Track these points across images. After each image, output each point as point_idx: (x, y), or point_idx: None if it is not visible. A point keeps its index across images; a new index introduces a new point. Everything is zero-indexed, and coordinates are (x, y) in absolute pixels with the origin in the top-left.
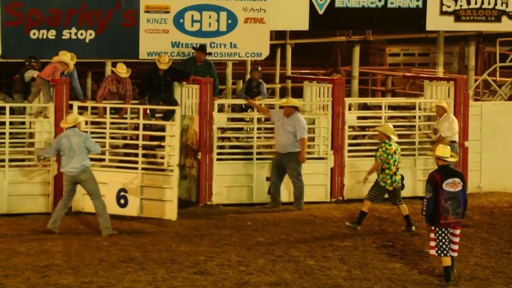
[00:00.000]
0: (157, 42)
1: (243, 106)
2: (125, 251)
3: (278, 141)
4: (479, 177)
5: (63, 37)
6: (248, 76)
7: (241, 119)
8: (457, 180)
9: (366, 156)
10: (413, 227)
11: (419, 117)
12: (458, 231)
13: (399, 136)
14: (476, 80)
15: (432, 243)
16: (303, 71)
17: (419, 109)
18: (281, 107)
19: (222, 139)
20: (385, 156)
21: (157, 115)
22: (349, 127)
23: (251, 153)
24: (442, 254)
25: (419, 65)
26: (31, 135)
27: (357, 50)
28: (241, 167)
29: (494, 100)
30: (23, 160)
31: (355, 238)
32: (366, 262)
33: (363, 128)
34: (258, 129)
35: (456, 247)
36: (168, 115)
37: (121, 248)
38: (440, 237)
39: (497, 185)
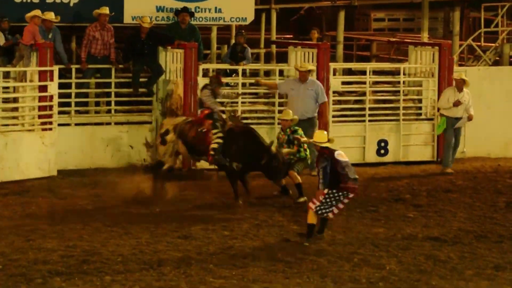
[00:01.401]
0: (141, 6)
1: (228, 71)
2: (109, 215)
3: (297, 109)
4: (463, 142)
5: (47, 1)
6: (233, 41)
7: (226, 84)
8: (341, 153)
9: (350, 122)
10: (303, 198)
11: (403, 82)
12: (352, 195)
13: (384, 101)
14: (460, 46)
15: (318, 199)
16: (287, 36)
17: (403, 74)
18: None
19: None
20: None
21: (141, 79)
22: (334, 92)
23: None
24: (320, 213)
25: (404, 30)
26: (16, 100)
27: (342, 15)
28: None
29: (478, 65)
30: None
31: None
32: (350, 226)
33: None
34: (243, 94)
35: (337, 211)
36: (152, 80)
37: (105, 213)
38: (329, 199)
39: (480, 150)
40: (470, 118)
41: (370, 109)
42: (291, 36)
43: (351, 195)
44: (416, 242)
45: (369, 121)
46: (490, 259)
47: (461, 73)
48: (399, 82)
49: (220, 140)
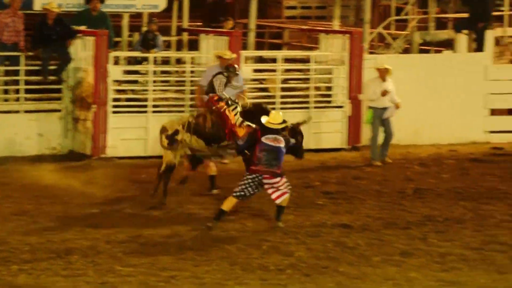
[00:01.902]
0: None
1: (138, 58)
2: (17, 204)
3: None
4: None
5: None
6: (144, 28)
7: (137, 72)
8: (279, 137)
9: None
10: (215, 190)
11: (314, 70)
12: (268, 180)
13: (295, 89)
14: (371, 33)
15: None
16: (199, 23)
17: (314, 62)
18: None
19: (118, 91)
20: None
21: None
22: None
23: (147, 106)
24: (235, 195)
25: (316, 18)
26: None
27: (254, 3)
28: (136, 120)
29: (388, 53)
30: None
31: None
32: (260, 214)
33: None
34: (154, 81)
35: (274, 195)
36: (60, 68)
37: (13, 201)
38: (245, 182)
39: None
40: (397, 107)
41: (281, 97)
42: (202, 24)
43: (265, 180)
44: (325, 229)
45: (281, 108)
46: (397, 245)
47: (383, 62)
48: (310, 70)
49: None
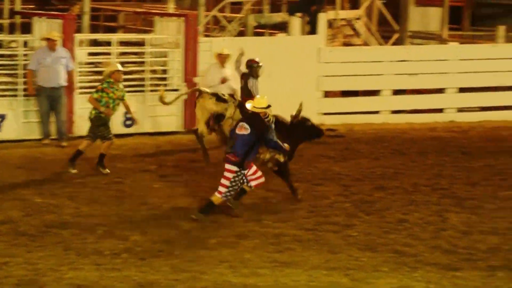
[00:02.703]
0: None
1: None
2: None
3: (51, 78)
4: None
5: None
6: None
7: None
8: (245, 125)
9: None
10: (106, 170)
11: (150, 53)
12: (226, 166)
13: (131, 72)
14: (206, 16)
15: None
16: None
17: (150, 45)
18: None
19: None
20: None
21: None
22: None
23: None
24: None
25: (151, 0)
26: None
27: None
28: None
29: (223, 36)
30: None
31: (85, 176)
32: (95, 198)
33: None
34: None
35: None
36: None
37: None
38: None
39: None
40: (235, 93)
41: None
42: (35, 6)
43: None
44: (161, 213)
45: None
46: (233, 227)
47: (224, 48)
48: (145, 53)
49: None
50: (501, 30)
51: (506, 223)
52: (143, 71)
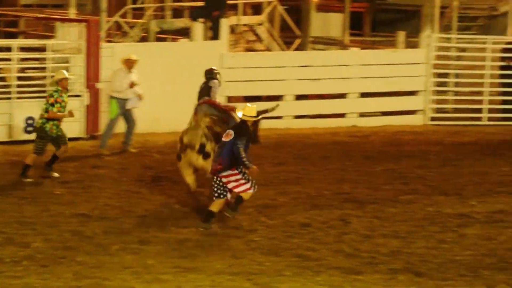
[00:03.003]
0: None
1: None
2: None
3: None
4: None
5: None
6: None
7: None
8: (230, 131)
9: None
10: (55, 174)
11: (51, 59)
12: (223, 177)
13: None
14: (108, 22)
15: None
16: None
17: (51, 51)
18: None
19: None
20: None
21: None
22: None
23: None
24: (215, 196)
25: (53, 6)
26: None
27: None
28: None
29: (125, 41)
30: None
31: None
32: None
33: None
34: None
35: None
36: None
37: None
38: (213, 184)
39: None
40: (141, 98)
41: (18, 86)
42: None
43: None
44: (63, 219)
45: (17, 98)
46: (135, 233)
47: (131, 53)
48: (46, 59)
49: None
50: (401, 35)
51: (407, 226)
52: (44, 77)
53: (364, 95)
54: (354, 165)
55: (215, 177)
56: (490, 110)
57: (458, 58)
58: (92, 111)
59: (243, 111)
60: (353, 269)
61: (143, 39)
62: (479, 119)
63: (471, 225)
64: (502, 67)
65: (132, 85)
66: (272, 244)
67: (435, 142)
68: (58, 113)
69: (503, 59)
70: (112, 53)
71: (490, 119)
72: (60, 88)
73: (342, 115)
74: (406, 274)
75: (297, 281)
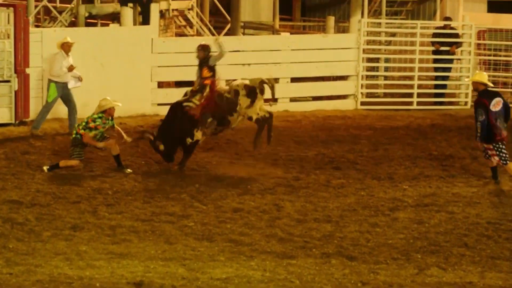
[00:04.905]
0: None
1: None
2: None
3: None
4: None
5: None
6: None
7: None
8: (498, 99)
9: None
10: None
11: None
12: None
13: None
14: (36, 7)
15: (496, 157)
16: None
17: None
18: None
19: None
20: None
21: None
22: None
23: None
24: (505, 162)
25: None
26: None
27: None
28: None
29: (54, 26)
30: None
31: None
32: None
33: None
34: None
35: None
36: None
37: None
38: (500, 149)
39: (59, 111)
40: (80, 79)
41: None
42: None
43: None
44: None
45: None
46: (68, 219)
47: (66, 36)
48: None
49: None
50: (331, 20)
51: (339, 211)
52: None
53: (295, 80)
54: (286, 150)
55: (499, 144)
56: (420, 95)
57: (388, 43)
58: (22, 97)
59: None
60: (286, 253)
61: (72, 24)
62: (409, 103)
63: (403, 209)
64: (434, 52)
65: (71, 68)
66: (205, 229)
67: (366, 126)
68: (93, 140)
69: (433, 44)
70: (41, 38)
71: (420, 103)
72: (104, 116)
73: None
74: (339, 258)
75: (231, 266)
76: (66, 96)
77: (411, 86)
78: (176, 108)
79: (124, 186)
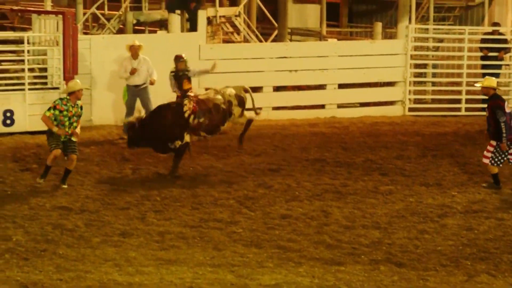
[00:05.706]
0: None
1: None
2: None
3: None
4: (90, 111)
5: None
6: None
7: None
8: (506, 102)
9: None
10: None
11: (28, 51)
12: None
13: (9, 71)
14: (85, 14)
15: (488, 155)
16: None
17: (28, 43)
18: None
19: None
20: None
21: None
22: None
23: None
24: (496, 164)
25: None
26: None
27: None
28: None
29: (103, 33)
30: None
31: None
32: None
33: None
34: None
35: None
36: None
37: None
38: (499, 151)
39: (106, 118)
40: (152, 83)
41: None
42: None
43: None
44: (44, 212)
45: None
46: (116, 226)
47: (134, 40)
48: (23, 51)
49: None
50: (378, 26)
51: (387, 217)
52: (22, 69)
53: (342, 86)
54: (333, 156)
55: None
56: (468, 101)
57: (436, 48)
58: None
59: (485, 82)
60: (334, 260)
61: (120, 31)
62: (457, 109)
63: (452, 216)
64: (482, 58)
65: (133, 71)
66: (253, 235)
67: (414, 132)
68: (48, 120)
69: (481, 49)
70: (89, 45)
71: (468, 109)
72: (71, 98)
73: (321, 106)
74: (388, 265)
75: (279, 273)
76: (143, 101)
77: (459, 92)
78: (165, 109)
79: (172, 193)
